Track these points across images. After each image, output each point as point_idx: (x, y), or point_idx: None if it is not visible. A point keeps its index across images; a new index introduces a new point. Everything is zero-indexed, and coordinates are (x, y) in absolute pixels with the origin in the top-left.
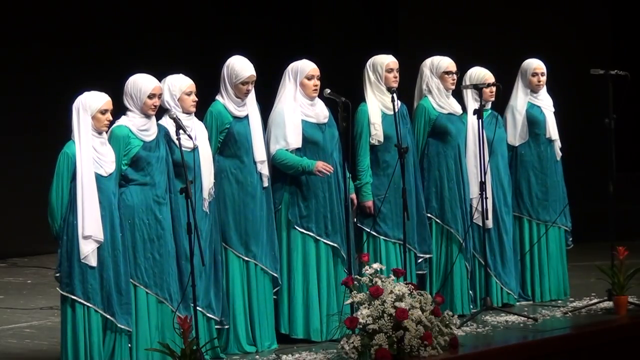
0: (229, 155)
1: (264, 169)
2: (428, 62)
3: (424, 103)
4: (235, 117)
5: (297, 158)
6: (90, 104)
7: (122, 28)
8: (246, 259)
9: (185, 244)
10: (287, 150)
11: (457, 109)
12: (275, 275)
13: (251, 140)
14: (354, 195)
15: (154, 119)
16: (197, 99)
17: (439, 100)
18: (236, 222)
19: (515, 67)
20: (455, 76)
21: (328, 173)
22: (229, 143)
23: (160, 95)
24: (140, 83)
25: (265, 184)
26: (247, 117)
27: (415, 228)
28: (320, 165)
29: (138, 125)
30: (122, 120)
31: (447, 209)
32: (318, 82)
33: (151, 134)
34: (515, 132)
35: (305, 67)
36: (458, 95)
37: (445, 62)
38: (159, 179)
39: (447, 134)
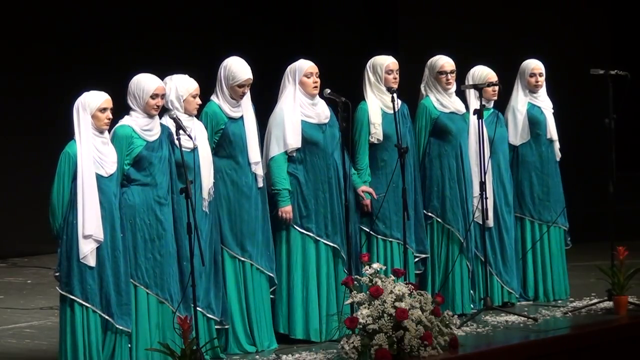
0: (223, 156)
1: (258, 170)
2: (429, 61)
3: (425, 102)
4: (230, 118)
5: (284, 182)
6: (89, 102)
7: (124, 29)
8: (242, 259)
9: (186, 245)
10: (286, 153)
11: (459, 107)
12: (271, 275)
13: (246, 141)
14: (365, 187)
15: (157, 119)
16: (200, 102)
17: (441, 99)
18: (232, 222)
19: (516, 67)
20: (450, 76)
21: (285, 220)
22: (224, 144)
23: (163, 96)
24: (144, 83)
25: (260, 184)
26: (241, 117)
27: (412, 228)
28: (286, 211)
29: (141, 125)
30: (126, 120)
31: (447, 208)
32: (318, 80)
33: (154, 134)
34: (516, 132)
35: (303, 65)
36: (462, 93)
37: (440, 62)
38: (160, 179)
39: (448, 133)
